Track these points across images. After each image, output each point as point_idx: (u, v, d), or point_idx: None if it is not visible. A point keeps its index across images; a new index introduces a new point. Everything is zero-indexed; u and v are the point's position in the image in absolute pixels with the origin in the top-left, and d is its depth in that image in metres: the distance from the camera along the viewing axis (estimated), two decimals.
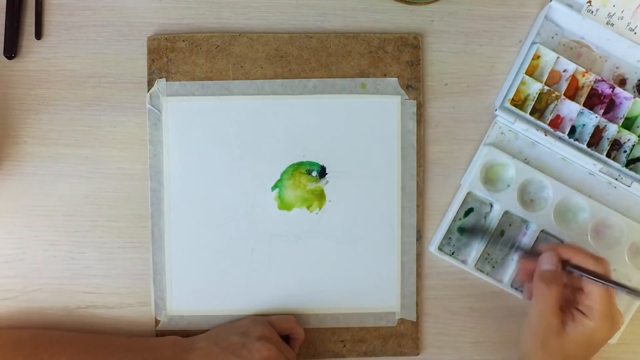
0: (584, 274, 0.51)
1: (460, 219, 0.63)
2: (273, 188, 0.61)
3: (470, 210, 0.63)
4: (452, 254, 0.62)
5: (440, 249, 0.62)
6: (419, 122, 0.62)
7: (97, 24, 0.61)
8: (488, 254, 0.63)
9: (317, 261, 0.61)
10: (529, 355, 0.52)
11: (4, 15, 0.61)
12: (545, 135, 0.61)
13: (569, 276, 0.53)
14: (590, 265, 0.51)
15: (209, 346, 0.57)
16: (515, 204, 0.61)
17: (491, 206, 0.63)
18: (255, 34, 0.61)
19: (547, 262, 0.52)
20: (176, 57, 0.61)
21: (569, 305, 0.52)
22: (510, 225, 0.63)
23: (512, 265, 0.62)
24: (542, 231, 0.62)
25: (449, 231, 0.62)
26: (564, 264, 0.53)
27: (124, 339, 0.58)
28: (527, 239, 0.62)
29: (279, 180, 0.61)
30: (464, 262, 0.62)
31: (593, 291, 0.50)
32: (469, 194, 0.62)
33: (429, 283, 0.63)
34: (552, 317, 0.51)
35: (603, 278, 0.50)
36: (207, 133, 0.61)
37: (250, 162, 0.61)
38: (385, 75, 0.62)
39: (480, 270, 0.62)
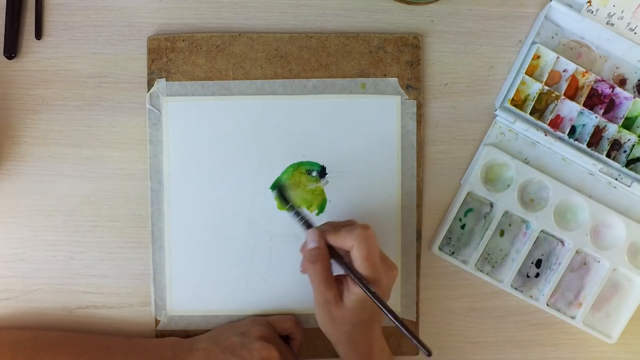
0: (350, 274, 0.52)
1: (460, 219, 0.63)
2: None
3: (470, 210, 0.63)
4: (452, 254, 0.62)
5: (440, 249, 0.62)
6: (419, 122, 0.62)
7: (97, 24, 0.61)
8: (487, 254, 0.63)
9: None
10: (324, 327, 0.54)
11: (4, 15, 0.61)
12: (545, 135, 0.61)
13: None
14: (350, 242, 0.51)
15: (208, 346, 0.57)
16: (515, 203, 0.61)
17: (491, 206, 0.63)
18: (255, 34, 0.61)
19: (311, 240, 0.53)
20: (176, 57, 0.61)
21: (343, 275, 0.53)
22: (510, 225, 0.63)
23: (512, 266, 0.62)
24: (542, 231, 0.62)
25: (449, 231, 0.62)
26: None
27: (124, 339, 0.58)
28: (527, 239, 0.62)
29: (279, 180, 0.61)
30: (464, 262, 0.62)
31: (356, 258, 0.51)
32: (469, 194, 0.62)
33: (429, 283, 0.63)
34: (327, 291, 0.52)
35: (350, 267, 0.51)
36: (207, 133, 0.61)
37: (250, 162, 0.61)
38: (385, 75, 0.62)
39: (480, 270, 0.62)
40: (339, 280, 0.53)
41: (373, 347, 0.54)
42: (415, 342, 0.51)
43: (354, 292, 0.51)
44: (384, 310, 0.51)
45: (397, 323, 0.51)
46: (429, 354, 0.51)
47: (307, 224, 0.55)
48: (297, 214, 0.56)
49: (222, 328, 0.60)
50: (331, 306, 0.52)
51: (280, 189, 0.59)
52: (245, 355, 0.55)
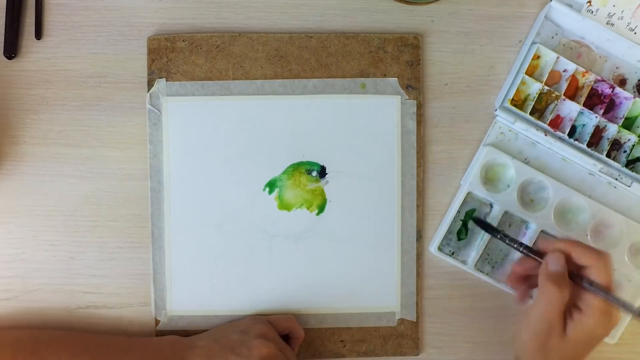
0: (586, 284, 0.50)
1: (460, 220, 0.63)
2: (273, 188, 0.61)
3: (471, 210, 0.63)
4: (452, 254, 0.62)
5: (440, 249, 0.62)
6: (419, 122, 0.62)
7: (97, 24, 0.61)
8: (487, 254, 0.63)
9: (317, 261, 0.61)
10: (526, 356, 0.52)
11: (4, 15, 0.60)
12: (545, 135, 0.61)
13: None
14: (591, 260, 0.50)
15: (208, 344, 0.57)
16: (515, 204, 0.61)
17: (491, 206, 0.63)
18: (255, 34, 0.61)
19: (554, 263, 0.51)
20: (176, 57, 0.61)
21: (568, 309, 0.52)
22: (510, 225, 0.63)
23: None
24: (542, 231, 0.62)
25: (449, 231, 0.62)
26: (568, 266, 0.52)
27: (123, 338, 0.58)
28: (527, 239, 0.62)
29: (279, 180, 0.61)
30: (463, 262, 0.62)
31: (596, 278, 0.50)
32: (469, 194, 0.62)
33: (429, 283, 0.63)
34: (557, 319, 0.50)
35: (604, 290, 0.49)
36: (207, 133, 0.61)
37: (250, 162, 0.61)
38: (385, 75, 0.62)
39: (480, 271, 0.62)
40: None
41: None
42: None
43: (580, 322, 0.49)
44: (632, 312, 0.49)
45: None
46: None
47: (529, 248, 0.55)
48: (517, 243, 0.56)
49: (222, 326, 0.60)
50: (553, 335, 0.50)
51: (476, 221, 0.60)
52: (245, 352, 0.55)
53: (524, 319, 0.52)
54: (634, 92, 0.63)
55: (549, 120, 0.61)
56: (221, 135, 0.61)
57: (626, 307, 0.49)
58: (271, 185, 0.61)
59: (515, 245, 0.56)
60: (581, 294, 0.50)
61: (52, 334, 0.57)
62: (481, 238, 0.62)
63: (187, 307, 0.61)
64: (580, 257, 0.51)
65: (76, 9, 0.61)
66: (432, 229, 0.63)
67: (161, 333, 0.61)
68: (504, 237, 0.57)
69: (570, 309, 0.51)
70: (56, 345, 0.55)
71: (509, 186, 0.62)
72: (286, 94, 0.61)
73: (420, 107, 0.62)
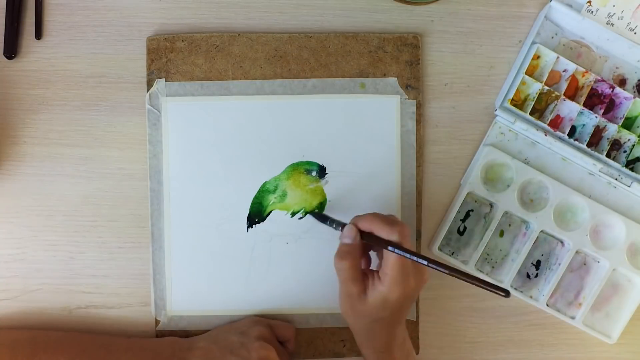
0: (374, 243, 0.53)
1: (460, 220, 0.63)
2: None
3: (471, 210, 0.63)
4: (452, 254, 0.62)
5: (440, 249, 0.62)
6: (419, 122, 0.62)
7: (97, 24, 0.61)
8: (488, 254, 0.63)
9: (317, 261, 0.61)
10: (345, 317, 0.55)
11: (4, 15, 0.61)
12: (545, 135, 0.61)
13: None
14: (384, 233, 0.53)
15: (207, 345, 0.57)
16: (515, 204, 0.61)
17: (491, 206, 0.63)
18: (254, 34, 0.61)
19: (345, 236, 0.54)
20: (175, 57, 0.61)
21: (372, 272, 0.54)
22: (510, 225, 0.63)
23: (512, 266, 0.62)
24: (541, 231, 0.62)
25: (449, 231, 0.62)
26: (363, 234, 0.54)
27: (122, 339, 0.58)
28: (527, 239, 0.62)
29: (279, 180, 0.61)
30: (464, 262, 0.62)
31: (388, 258, 0.52)
32: (469, 194, 0.62)
33: (429, 283, 0.62)
34: (352, 286, 0.53)
35: (396, 246, 0.52)
36: (207, 133, 0.61)
37: (250, 162, 0.61)
38: (384, 75, 0.62)
39: (480, 271, 0.62)
40: (365, 275, 0.54)
41: (392, 343, 0.55)
42: (486, 287, 0.51)
43: (378, 289, 0.52)
44: (425, 263, 0.52)
45: (451, 272, 0.52)
46: (507, 294, 0.50)
47: (342, 224, 0.56)
48: (332, 221, 0.58)
49: (221, 328, 0.60)
50: (354, 300, 0.53)
51: (314, 215, 0.61)
52: (244, 354, 0.55)
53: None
54: (634, 92, 0.63)
55: (549, 120, 0.61)
56: (221, 136, 0.61)
57: (419, 259, 0.51)
58: (271, 185, 0.61)
59: (336, 226, 0.58)
60: (383, 264, 0.53)
61: (51, 335, 0.57)
62: (481, 238, 0.62)
63: (187, 307, 0.61)
64: (380, 231, 0.53)
65: (76, 9, 0.61)
66: (432, 229, 0.63)
67: (161, 333, 0.61)
68: (332, 222, 0.58)
69: (374, 276, 0.53)
70: (55, 347, 0.55)
71: (508, 186, 0.62)
72: (286, 94, 0.61)
73: (419, 106, 0.62)
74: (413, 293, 0.54)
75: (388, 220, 0.54)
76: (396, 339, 0.55)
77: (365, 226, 0.54)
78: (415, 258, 0.52)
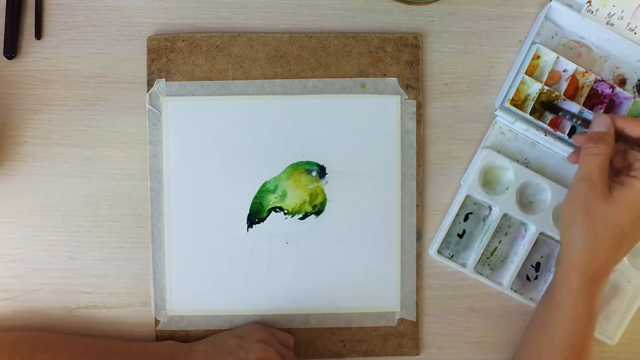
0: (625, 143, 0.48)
1: (459, 223, 0.62)
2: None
3: (470, 213, 0.63)
4: (452, 257, 0.62)
5: (439, 252, 0.62)
6: (419, 122, 0.62)
7: (97, 24, 0.61)
8: (487, 258, 0.63)
9: (317, 261, 0.61)
10: (570, 221, 0.48)
11: (4, 15, 0.61)
12: (545, 135, 0.61)
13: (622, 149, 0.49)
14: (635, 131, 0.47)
15: (207, 348, 0.57)
16: (514, 206, 0.61)
17: (490, 209, 0.62)
18: (254, 34, 0.61)
19: (598, 124, 0.48)
20: (176, 57, 0.61)
21: (618, 174, 0.48)
22: (509, 227, 0.63)
23: (511, 268, 0.62)
24: (541, 233, 0.62)
25: (448, 234, 0.62)
26: (617, 136, 0.49)
27: (122, 342, 0.58)
28: (526, 242, 0.62)
29: (279, 180, 0.61)
30: (463, 265, 0.62)
31: None
32: (467, 197, 0.62)
33: (429, 283, 0.63)
34: (598, 178, 0.47)
35: None
36: (207, 133, 0.61)
37: (250, 162, 0.61)
38: (384, 75, 0.62)
39: (480, 274, 0.62)
40: (609, 177, 0.48)
41: (605, 273, 0.47)
42: None
43: (632, 185, 0.46)
44: None
45: None
46: None
47: (580, 118, 0.52)
48: (565, 113, 0.52)
49: (221, 333, 0.60)
50: (596, 196, 0.46)
51: (544, 105, 0.56)
52: (242, 355, 0.55)
53: (569, 191, 0.49)
54: (634, 92, 0.63)
55: (549, 120, 0.61)
56: (221, 135, 0.61)
57: None
58: (271, 185, 0.61)
59: (573, 119, 0.53)
60: (635, 162, 0.48)
61: (51, 336, 0.57)
62: (480, 240, 0.62)
63: (187, 307, 0.61)
64: (632, 129, 0.48)
65: (76, 9, 0.61)
66: (432, 229, 0.63)
67: (161, 333, 0.61)
68: (565, 113, 0.54)
69: (622, 177, 0.48)
70: (54, 348, 0.55)
71: (507, 188, 0.62)
72: (286, 94, 0.61)
73: (420, 107, 0.62)
74: None
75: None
76: (609, 274, 0.46)
77: (621, 124, 0.48)
78: None
